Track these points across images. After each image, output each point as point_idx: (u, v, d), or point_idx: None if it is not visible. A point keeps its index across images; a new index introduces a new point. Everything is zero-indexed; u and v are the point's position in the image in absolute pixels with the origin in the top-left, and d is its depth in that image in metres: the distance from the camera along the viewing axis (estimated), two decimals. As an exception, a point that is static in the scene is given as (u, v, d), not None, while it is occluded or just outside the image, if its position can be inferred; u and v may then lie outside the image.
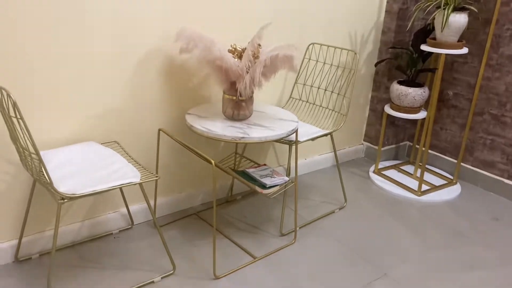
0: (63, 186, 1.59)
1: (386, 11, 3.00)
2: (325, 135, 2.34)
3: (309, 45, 2.60)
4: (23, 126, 1.38)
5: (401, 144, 3.38)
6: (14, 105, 1.33)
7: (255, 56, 1.96)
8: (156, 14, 2.04)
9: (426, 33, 2.71)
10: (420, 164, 2.96)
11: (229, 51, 2.04)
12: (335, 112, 2.55)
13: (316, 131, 2.37)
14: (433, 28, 2.58)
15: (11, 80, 1.75)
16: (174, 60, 2.16)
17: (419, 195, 2.78)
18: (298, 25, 2.57)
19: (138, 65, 2.07)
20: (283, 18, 2.49)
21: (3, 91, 1.38)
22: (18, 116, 1.36)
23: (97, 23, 1.89)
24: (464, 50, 2.55)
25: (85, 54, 1.90)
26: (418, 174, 3.01)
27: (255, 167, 2.24)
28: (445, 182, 2.99)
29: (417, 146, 3.23)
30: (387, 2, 2.97)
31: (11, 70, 1.74)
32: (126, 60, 2.02)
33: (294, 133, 2.13)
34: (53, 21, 1.78)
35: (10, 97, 1.34)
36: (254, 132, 1.91)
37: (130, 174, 1.71)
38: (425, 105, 3.09)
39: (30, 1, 1.71)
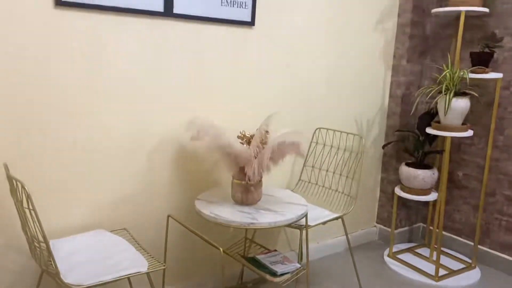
0: (70, 277, 1.57)
1: (390, 96, 3.11)
2: (336, 218, 2.32)
3: (316, 129, 2.67)
4: (35, 217, 1.41)
5: (414, 226, 3.31)
6: (28, 197, 1.37)
7: (263, 142, 2.02)
8: (168, 103, 2.15)
9: (430, 116, 2.78)
10: (436, 246, 2.88)
11: (238, 137, 2.11)
12: (345, 195, 2.55)
13: (327, 214, 2.35)
14: (437, 112, 2.66)
15: (24, 169, 1.82)
16: (185, 147, 2.23)
17: (437, 281, 2.67)
18: (305, 110, 2.67)
19: (149, 152, 2.13)
20: (291, 105, 2.60)
21: (18, 183, 1.42)
22: (31, 208, 1.39)
23: (111, 111, 1.99)
24: (469, 133, 2.59)
25: (97, 141, 1.98)
26: (434, 258, 2.91)
27: (265, 253, 2.20)
28: (464, 266, 2.88)
29: (431, 228, 3.16)
30: (391, 87, 3.10)
31: (25, 159, 1.81)
32: (138, 147, 2.10)
33: (304, 218, 2.11)
34: (66, 108, 1.88)
35: (24, 189, 1.38)
36: (263, 218, 1.91)
37: (137, 263, 1.69)
38: (436, 186, 3.07)
39: (41, 91, 1.82)
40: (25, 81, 1.76)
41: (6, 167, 1.61)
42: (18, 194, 1.51)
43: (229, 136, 1.94)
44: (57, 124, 1.86)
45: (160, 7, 2.03)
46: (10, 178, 1.53)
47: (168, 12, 2.06)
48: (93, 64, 1.90)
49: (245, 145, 2.05)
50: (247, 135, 2.11)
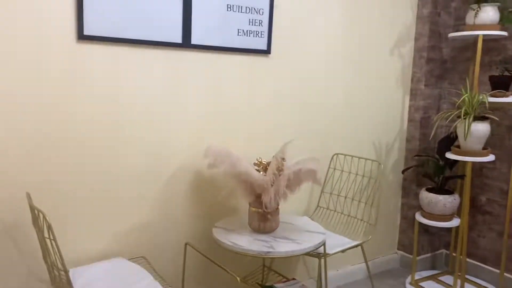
0: (89, 306, 1.58)
1: (409, 120, 3.09)
2: (355, 246, 2.28)
3: (333, 155, 2.67)
4: (55, 247, 1.44)
5: (437, 252, 3.23)
6: (49, 227, 1.40)
7: (280, 170, 2.03)
8: (186, 131, 2.18)
9: (450, 140, 2.75)
10: (460, 274, 2.80)
11: (255, 164, 2.12)
12: (364, 222, 2.52)
13: (346, 242, 2.32)
14: (457, 136, 2.62)
15: (45, 197, 1.86)
16: (202, 174, 2.25)
17: (462, 310, 2.59)
18: (322, 136, 2.67)
19: (168, 180, 2.16)
20: (307, 131, 2.61)
21: (40, 213, 1.46)
22: (52, 238, 1.42)
23: (131, 140, 2.04)
24: (490, 158, 2.54)
25: (117, 170, 2.02)
26: (459, 286, 2.82)
27: (284, 282, 2.18)
28: (490, 295, 2.78)
29: (455, 255, 3.07)
30: (409, 111, 3.08)
31: (47, 188, 1.86)
32: (156, 175, 2.13)
33: (322, 246, 2.09)
34: (86, 138, 1.93)
35: (45, 219, 1.41)
36: (281, 246, 1.90)
37: (155, 292, 1.70)
38: (458, 212, 3.00)
39: (62, 121, 1.88)
40: (46, 112, 1.82)
41: (28, 196, 1.66)
42: (40, 223, 1.54)
43: (245, 164, 1.95)
44: (77, 154, 1.91)
45: (178, 39, 2.09)
46: (32, 208, 1.57)
47: (186, 43, 2.11)
48: (113, 94, 1.96)
49: (261, 173, 2.06)
50: (263, 162, 2.12)
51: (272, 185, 1.96)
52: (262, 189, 1.97)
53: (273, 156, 2.07)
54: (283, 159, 2.09)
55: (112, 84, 1.95)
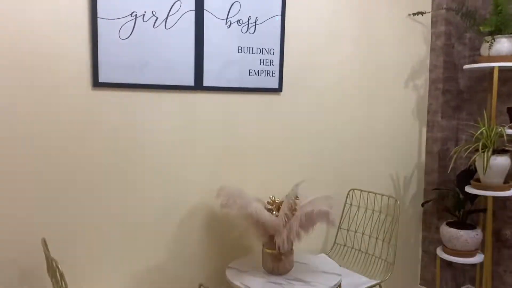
0: None
1: (427, 152, 3.04)
2: (373, 286, 2.23)
3: (349, 190, 2.64)
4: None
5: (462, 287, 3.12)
6: (61, 276, 1.42)
7: (293, 209, 2.01)
8: (200, 171, 2.20)
9: (469, 174, 2.68)
10: (487, 312, 2.68)
11: (268, 203, 2.11)
12: (382, 259, 2.46)
13: (363, 281, 2.27)
14: (476, 169, 2.56)
15: (61, 241, 1.89)
16: (215, 214, 2.26)
17: None
18: (337, 171, 2.65)
19: (182, 220, 2.17)
20: (322, 166, 2.59)
21: (53, 262, 1.49)
22: (64, 286, 1.43)
23: (145, 181, 2.06)
24: (512, 192, 2.47)
25: (131, 212, 2.04)
26: (486, 325, 2.70)
27: (299, 324, 2.12)
28: (519, 335, 2.65)
29: (481, 291, 2.95)
30: (427, 143, 3.03)
31: (63, 233, 1.89)
32: (170, 215, 2.14)
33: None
34: (102, 182, 1.97)
35: (58, 268, 1.44)
36: (294, 289, 1.87)
37: None
38: (482, 246, 2.90)
39: (79, 167, 1.92)
40: (62, 158, 1.87)
41: (44, 242, 1.69)
42: (53, 271, 1.57)
43: (256, 205, 1.95)
44: (93, 197, 1.94)
45: (191, 82, 2.14)
46: (47, 256, 1.60)
47: (198, 85, 2.16)
48: (128, 138, 2.00)
49: (274, 212, 2.05)
50: (276, 201, 2.11)
51: (284, 226, 1.95)
52: (275, 230, 1.95)
53: (286, 196, 2.07)
54: (296, 197, 2.08)
55: (127, 129, 2.00)
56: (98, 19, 1.86)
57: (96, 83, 1.90)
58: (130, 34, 1.94)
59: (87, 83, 1.89)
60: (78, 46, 1.85)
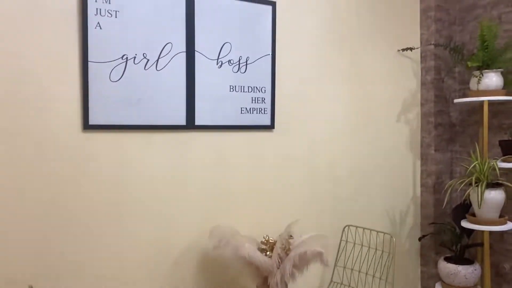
0: None
1: (421, 186, 3.03)
2: (370, 327, 2.16)
3: (345, 227, 2.61)
4: None
5: (464, 324, 3.03)
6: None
7: (286, 249, 1.98)
8: (192, 212, 2.18)
9: (464, 208, 2.66)
10: None
11: (262, 242, 2.08)
12: (380, 298, 2.41)
13: (360, 322, 2.21)
14: (471, 204, 2.54)
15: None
16: (209, 256, 2.21)
17: None
18: (332, 208, 2.63)
19: (175, 261, 2.13)
20: (316, 203, 2.57)
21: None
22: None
23: (136, 222, 2.03)
24: (508, 226, 2.44)
25: (123, 254, 2.00)
26: None
27: None
28: None
29: (483, 328, 2.88)
30: (422, 177, 3.02)
31: (49, 278, 1.85)
32: (162, 256, 2.10)
33: (334, 329, 1.99)
34: (92, 223, 1.94)
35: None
36: (289, 334, 1.81)
37: None
38: (482, 281, 2.85)
39: (68, 209, 1.90)
40: (51, 202, 1.85)
41: (31, 290, 1.65)
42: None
43: (249, 247, 1.92)
44: (83, 239, 1.91)
45: (182, 121, 2.14)
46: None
47: (190, 125, 2.16)
48: (119, 180, 1.99)
49: (268, 253, 2.02)
50: (270, 241, 2.08)
51: (278, 268, 1.91)
52: (268, 272, 1.92)
53: (279, 235, 2.04)
54: (290, 236, 2.05)
55: (118, 170, 1.98)
56: (88, 62, 1.88)
57: (87, 126, 1.90)
58: (121, 76, 1.96)
59: (78, 126, 1.89)
60: (69, 89, 1.86)
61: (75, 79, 1.87)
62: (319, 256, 1.89)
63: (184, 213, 2.16)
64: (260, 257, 1.91)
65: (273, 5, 2.36)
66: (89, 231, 1.92)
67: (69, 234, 1.88)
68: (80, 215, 1.90)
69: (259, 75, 2.36)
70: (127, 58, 1.97)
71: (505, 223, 2.44)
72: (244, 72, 2.31)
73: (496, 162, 2.42)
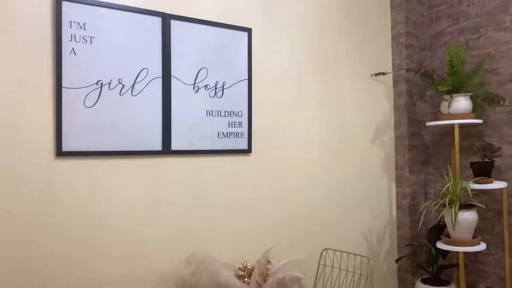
0: None
1: (397, 208, 3.06)
2: None
3: (322, 250, 2.60)
4: None
5: None
6: None
7: (264, 275, 1.96)
8: (169, 238, 2.14)
9: (439, 229, 2.70)
10: None
11: (239, 269, 2.06)
12: (358, 322, 2.39)
13: None
14: (445, 225, 2.58)
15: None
16: (185, 283, 2.17)
17: None
18: (309, 232, 2.63)
19: (150, 292, 2.08)
20: (294, 228, 2.57)
21: None
22: None
23: (112, 249, 1.98)
24: (481, 247, 2.49)
25: (98, 281, 1.94)
26: None
27: None
28: None
29: None
30: (397, 198, 3.06)
31: (23, 313, 1.78)
32: (140, 283, 2.05)
33: None
34: (63, 251, 1.88)
35: None
36: None
37: None
38: (458, 301, 2.87)
39: (43, 238, 1.84)
40: (23, 231, 1.79)
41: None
42: None
43: (226, 274, 1.89)
44: (56, 270, 1.85)
45: (158, 147, 2.13)
46: None
47: (166, 150, 2.15)
48: (92, 207, 1.95)
49: (246, 279, 2.00)
50: (248, 267, 2.06)
51: (256, 294, 1.89)
52: (246, 299, 1.89)
53: (257, 261, 2.02)
54: (268, 262, 2.04)
55: (91, 197, 1.94)
56: (62, 88, 1.86)
57: (60, 152, 1.86)
58: (96, 102, 1.94)
59: (50, 153, 1.86)
60: (42, 115, 1.83)
61: (49, 105, 1.84)
62: (297, 281, 1.88)
63: (160, 240, 2.12)
64: (238, 284, 1.88)
65: (249, 31, 2.40)
66: (61, 259, 1.86)
67: (41, 262, 1.82)
68: (52, 244, 1.85)
69: (236, 99, 2.38)
70: (102, 83, 1.95)
71: (478, 243, 2.49)
72: (221, 96, 2.32)
73: (468, 183, 2.48)
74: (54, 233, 1.85)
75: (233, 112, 2.37)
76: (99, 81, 1.94)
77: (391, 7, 3.08)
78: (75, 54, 1.89)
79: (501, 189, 2.62)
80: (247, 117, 2.40)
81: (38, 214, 1.82)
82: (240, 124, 2.39)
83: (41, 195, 1.83)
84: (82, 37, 1.90)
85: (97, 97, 1.94)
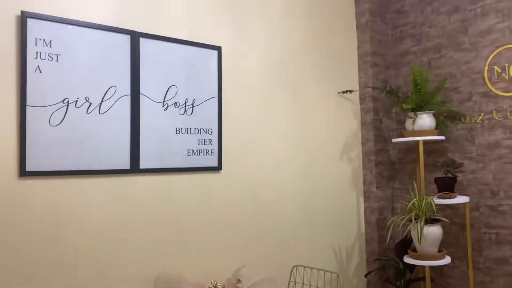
0: None
1: (366, 223, 3.11)
2: None
3: (293, 267, 2.61)
4: None
5: None
6: None
7: (235, 295, 1.95)
8: (137, 258, 2.09)
9: (406, 243, 2.76)
10: None
11: (210, 288, 2.03)
12: None
13: None
14: (412, 239, 2.64)
15: None
16: (154, 304, 2.13)
17: None
18: (280, 248, 2.63)
19: (117, 315, 2.02)
20: (265, 245, 2.56)
21: None
22: None
23: (78, 271, 1.92)
24: (446, 261, 2.55)
25: (62, 312, 1.88)
26: None
27: None
28: None
29: None
30: (365, 214, 3.11)
31: None
32: (105, 311, 1.99)
33: None
34: (27, 273, 1.81)
35: None
36: None
37: None
38: (426, 314, 2.93)
39: (5, 261, 1.77)
40: (-17, 256, 1.72)
41: None
42: None
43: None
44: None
45: (126, 165, 2.09)
46: None
47: (134, 168, 2.11)
48: (57, 229, 1.88)
49: (216, 299, 1.98)
50: (218, 286, 2.04)
51: (226, 314, 1.87)
52: (217, 319, 1.87)
53: (227, 280, 2.00)
54: (238, 281, 2.03)
55: (56, 218, 1.89)
56: (27, 106, 1.81)
57: (23, 172, 1.81)
58: (62, 121, 1.90)
59: (13, 173, 1.79)
60: (4, 134, 1.78)
61: (12, 124, 1.79)
62: (268, 300, 1.87)
63: (127, 260, 2.07)
64: (208, 305, 1.86)
65: (219, 49, 2.41)
66: (25, 281, 1.79)
67: (3, 285, 1.75)
68: (15, 266, 1.77)
69: (206, 117, 2.37)
70: (68, 101, 1.91)
71: (443, 257, 2.55)
72: (191, 114, 2.32)
73: (432, 199, 2.55)
74: (18, 255, 1.78)
75: (203, 129, 2.36)
76: (65, 99, 1.90)
77: (357, 27, 3.17)
78: (40, 72, 1.85)
79: (464, 204, 2.71)
80: (217, 134, 2.41)
81: (1, 237, 1.75)
82: (210, 141, 2.39)
83: (3, 216, 1.76)
84: (48, 55, 1.87)
85: (63, 116, 1.90)
